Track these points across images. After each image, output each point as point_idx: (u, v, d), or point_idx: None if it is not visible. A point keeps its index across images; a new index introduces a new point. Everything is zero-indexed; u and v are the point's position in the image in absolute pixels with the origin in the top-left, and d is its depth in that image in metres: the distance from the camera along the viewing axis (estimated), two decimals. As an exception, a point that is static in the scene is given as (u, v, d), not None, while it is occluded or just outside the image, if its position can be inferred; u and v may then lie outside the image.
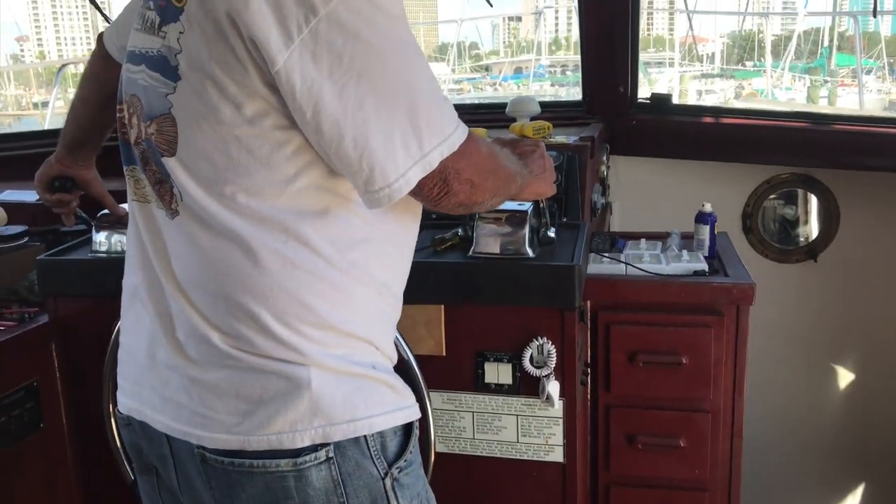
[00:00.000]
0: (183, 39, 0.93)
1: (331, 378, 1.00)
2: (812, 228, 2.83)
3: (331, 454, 0.99)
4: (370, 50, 0.89)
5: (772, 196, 2.76)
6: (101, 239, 1.82)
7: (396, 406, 1.06)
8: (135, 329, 1.11)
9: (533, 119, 2.25)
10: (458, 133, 0.96)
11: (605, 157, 2.49)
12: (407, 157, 0.91)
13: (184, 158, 0.97)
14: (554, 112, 2.61)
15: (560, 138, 2.17)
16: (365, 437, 1.01)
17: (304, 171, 0.96)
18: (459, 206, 1.01)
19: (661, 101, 2.73)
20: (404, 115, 0.91)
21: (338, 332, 1.01)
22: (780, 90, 18.94)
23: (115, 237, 1.81)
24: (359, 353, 1.03)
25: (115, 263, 1.77)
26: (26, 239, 2.06)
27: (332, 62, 0.88)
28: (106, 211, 1.83)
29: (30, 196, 2.35)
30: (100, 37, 1.42)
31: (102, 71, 1.41)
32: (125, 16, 1.34)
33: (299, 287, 0.97)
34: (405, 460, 1.06)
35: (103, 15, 2.67)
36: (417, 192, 0.96)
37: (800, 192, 2.80)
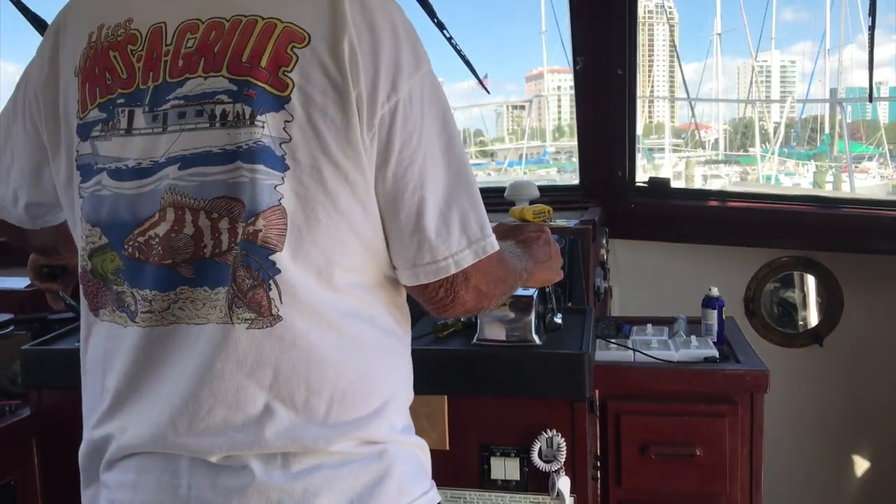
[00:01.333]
0: (292, 128, 0.90)
1: (402, 450, 0.99)
2: (813, 312, 2.78)
3: None
4: (441, 134, 0.96)
5: (772, 279, 2.73)
6: (89, 328, 1.74)
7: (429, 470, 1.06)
8: (151, 474, 0.95)
9: (532, 202, 2.23)
10: (491, 238, 0.99)
11: (604, 241, 2.47)
12: (462, 238, 0.96)
13: (294, 250, 0.91)
14: (551, 196, 2.60)
15: (560, 222, 2.15)
16: None
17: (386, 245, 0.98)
18: (463, 314, 1.06)
19: (659, 184, 2.74)
20: (466, 198, 0.97)
21: (402, 403, 1.02)
22: (784, 175, 19.29)
23: (104, 326, 1.73)
24: (406, 420, 1.03)
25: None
26: (12, 328, 1.99)
27: (404, 141, 0.93)
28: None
29: (17, 283, 2.29)
30: None
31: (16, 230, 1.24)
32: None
33: (388, 362, 1.00)
34: None
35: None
36: (421, 293, 0.99)
37: (801, 275, 2.77)
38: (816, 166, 20.35)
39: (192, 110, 0.92)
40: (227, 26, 0.92)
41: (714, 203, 2.77)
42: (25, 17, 2.27)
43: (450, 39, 2.41)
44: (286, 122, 0.90)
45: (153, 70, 0.94)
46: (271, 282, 0.90)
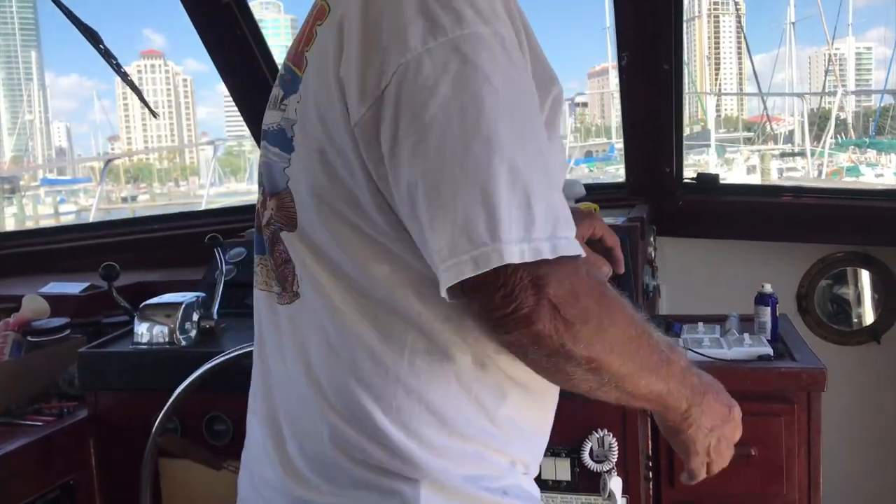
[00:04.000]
0: (300, 109, 0.85)
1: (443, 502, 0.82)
2: (868, 308, 2.71)
3: None
4: (451, 110, 0.74)
5: (826, 275, 2.66)
6: (142, 330, 1.77)
7: None
8: (251, 436, 0.99)
9: (578, 201, 2.22)
10: (564, 239, 0.74)
11: (652, 239, 2.43)
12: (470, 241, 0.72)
13: (302, 233, 0.87)
14: (597, 194, 2.58)
15: (608, 220, 2.11)
16: None
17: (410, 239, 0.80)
18: (539, 341, 0.74)
19: (707, 181, 2.69)
20: (497, 190, 0.73)
21: (467, 441, 0.84)
22: (866, 167, 18.65)
23: (157, 328, 1.77)
24: (491, 472, 0.86)
25: (156, 356, 1.75)
26: (68, 331, 2.04)
27: (408, 121, 0.75)
28: (149, 301, 1.80)
29: (73, 288, 2.36)
30: None
31: None
32: None
33: (427, 382, 0.83)
34: None
35: (150, 110, 2.71)
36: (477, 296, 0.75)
37: (854, 270, 2.70)
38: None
39: (273, 91, 0.96)
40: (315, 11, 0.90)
41: (764, 199, 2.72)
42: (78, 28, 2.32)
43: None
44: (297, 102, 0.86)
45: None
46: (293, 258, 0.90)
